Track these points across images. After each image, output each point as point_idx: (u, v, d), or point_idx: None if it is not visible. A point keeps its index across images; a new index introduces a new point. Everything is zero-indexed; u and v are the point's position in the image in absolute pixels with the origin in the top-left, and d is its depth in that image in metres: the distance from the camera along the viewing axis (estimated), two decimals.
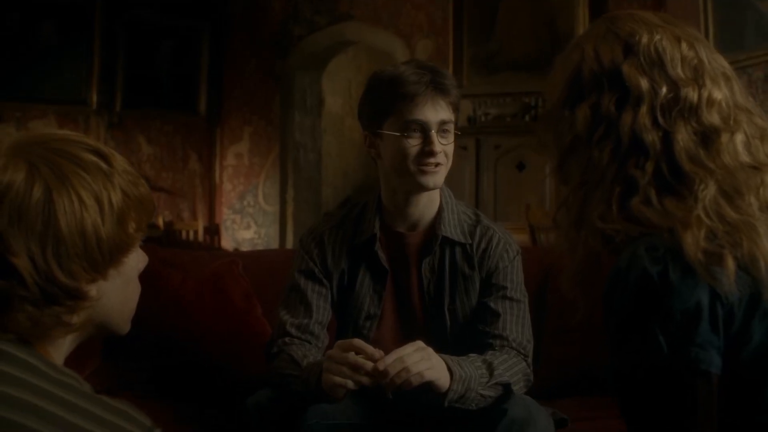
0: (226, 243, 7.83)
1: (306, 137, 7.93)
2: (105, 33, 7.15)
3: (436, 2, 6.91)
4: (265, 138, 7.75)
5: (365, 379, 1.67)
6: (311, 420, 1.75)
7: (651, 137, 1.12)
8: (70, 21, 7.03)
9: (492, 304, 1.94)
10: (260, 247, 7.67)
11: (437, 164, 1.89)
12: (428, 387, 1.70)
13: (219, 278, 2.31)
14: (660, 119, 1.12)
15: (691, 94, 1.13)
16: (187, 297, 2.25)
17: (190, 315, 2.23)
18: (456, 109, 1.93)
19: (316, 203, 7.96)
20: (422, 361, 1.68)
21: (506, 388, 1.82)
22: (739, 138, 1.14)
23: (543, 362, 2.29)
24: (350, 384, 1.67)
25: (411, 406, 1.86)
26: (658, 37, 1.16)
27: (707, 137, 1.13)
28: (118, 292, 1.04)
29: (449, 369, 1.73)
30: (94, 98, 7.15)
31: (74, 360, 1.08)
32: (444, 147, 1.89)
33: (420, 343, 1.72)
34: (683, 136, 1.12)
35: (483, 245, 1.97)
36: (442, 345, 1.85)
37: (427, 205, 1.97)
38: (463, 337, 1.95)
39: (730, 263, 1.05)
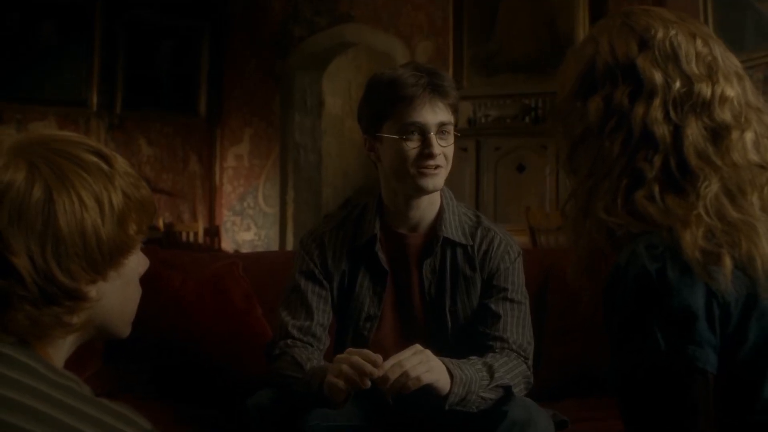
0: (226, 245, 7.83)
1: (306, 138, 7.94)
2: (105, 33, 7.16)
3: (436, 3, 6.91)
4: (266, 139, 7.75)
5: (366, 383, 1.66)
6: (312, 421, 1.75)
7: (662, 130, 1.13)
8: (70, 21, 7.04)
9: (493, 306, 1.94)
10: (260, 249, 7.67)
11: (437, 166, 1.88)
12: (428, 390, 1.70)
13: (219, 279, 2.31)
14: (672, 113, 1.13)
15: (705, 90, 1.14)
16: (187, 298, 2.25)
17: (190, 316, 2.23)
18: (455, 110, 1.93)
19: (317, 204, 7.96)
20: (420, 365, 1.68)
21: (507, 390, 1.82)
22: (749, 136, 1.15)
23: (543, 363, 2.29)
24: (350, 389, 1.66)
25: (412, 409, 1.85)
26: (673, 32, 1.17)
27: (718, 134, 1.13)
28: (118, 294, 1.04)
29: (449, 372, 1.72)
30: (94, 99, 7.17)
31: (75, 362, 1.08)
32: (443, 149, 1.89)
33: (418, 347, 1.71)
34: (693, 131, 1.13)
35: (484, 247, 1.97)
36: (442, 346, 1.85)
37: (428, 207, 1.96)
38: (464, 338, 1.94)
39: (728, 263, 1.05)
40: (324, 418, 1.78)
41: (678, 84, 1.14)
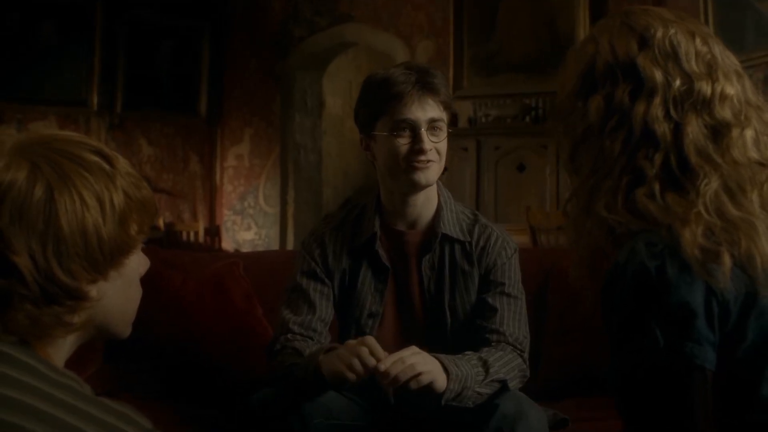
0: (227, 244, 7.83)
1: (306, 138, 7.94)
2: (105, 33, 7.15)
3: (436, 3, 6.91)
4: (266, 139, 7.75)
5: (363, 372, 1.69)
6: (316, 419, 1.76)
7: (662, 128, 1.13)
8: (71, 21, 7.03)
9: (490, 300, 1.96)
10: (261, 249, 7.67)
11: (429, 161, 1.91)
12: (427, 388, 1.72)
13: (220, 279, 2.31)
14: (672, 111, 1.14)
15: (705, 88, 1.15)
16: (187, 298, 2.25)
17: (190, 316, 2.23)
18: (447, 107, 1.96)
19: (317, 204, 7.96)
20: (418, 365, 1.70)
21: (502, 384, 1.84)
22: (749, 134, 1.15)
23: (543, 363, 2.29)
24: (352, 376, 1.69)
25: (412, 406, 1.87)
26: (672, 31, 1.18)
27: (718, 131, 1.14)
28: (118, 294, 1.04)
29: (445, 368, 1.75)
30: (95, 99, 7.16)
31: (75, 361, 1.08)
32: (435, 144, 1.92)
33: (414, 348, 1.74)
34: (693, 129, 1.13)
35: (482, 243, 2.00)
36: (442, 342, 1.89)
37: (425, 203, 1.99)
38: (463, 333, 1.96)
39: (727, 260, 1.05)
40: (328, 416, 1.78)
41: (678, 82, 1.15)
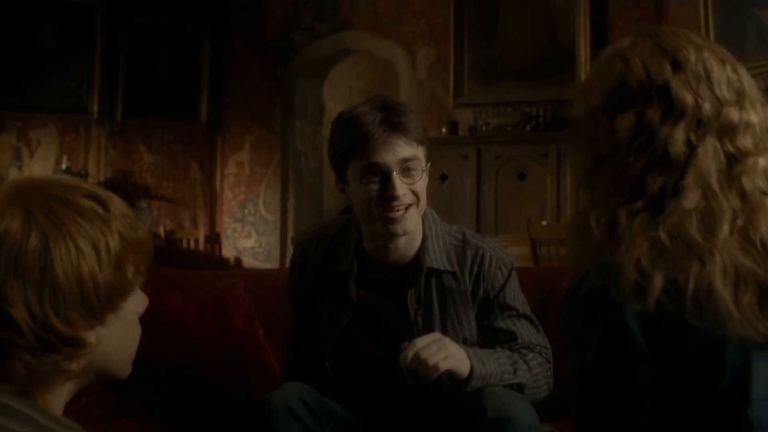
0: (227, 251, 7.82)
1: (307, 145, 7.93)
2: (106, 38, 7.12)
3: (437, 10, 6.90)
4: (266, 146, 7.74)
5: None
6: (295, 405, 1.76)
7: (679, 151, 1.14)
8: (72, 26, 7.00)
9: (503, 326, 1.92)
10: (261, 256, 7.66)
11: (407, 207, 1.80)
12: (448, 374, 1.72)
13: (221, 300, 2.30)
14: (692, 135, 1.15)
15: (733, 115, 1.16)
16: (188, 320, 2.24)
17: (191, 338, 2.22)
18: (422, 143, 1.83)
19: (318, 212, 7.95)
20: (439, 352, 1.69)
21: (520, 388, 1.84)
22: (762, 163, 1.17)
23: None
24: None
25: (429, 392, 1.84)
26: (705, 54, 1.19)
27: (734, 158, 1.15)
28: (117, 337, 1.04)
29: (471, 363, 1.74)
30: (95, 107, 7.13)
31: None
32: (410, 186, 1.80)
33: (437, 334, 1.74)
34: (707, 153, 1.14)
35: (476, 269, 1.92)
36: None
37: (409, 242, 1.90)
38: None
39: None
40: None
41: (708, 106, 1.16)
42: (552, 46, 6.60)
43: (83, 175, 6.99)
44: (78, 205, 0.99)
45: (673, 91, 1.16)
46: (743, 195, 1.14)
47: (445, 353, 1.70)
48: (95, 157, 7.20)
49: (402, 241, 1.88)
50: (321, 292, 1.95)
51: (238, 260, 7.80)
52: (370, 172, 1.78)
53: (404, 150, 1.79)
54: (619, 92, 1.20)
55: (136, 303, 1.08)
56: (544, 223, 5.30)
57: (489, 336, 1.93)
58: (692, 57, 1.18)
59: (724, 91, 1.17)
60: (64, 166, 6.86)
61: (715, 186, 1.13)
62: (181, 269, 2.88)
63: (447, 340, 1.73)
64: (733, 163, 1.15)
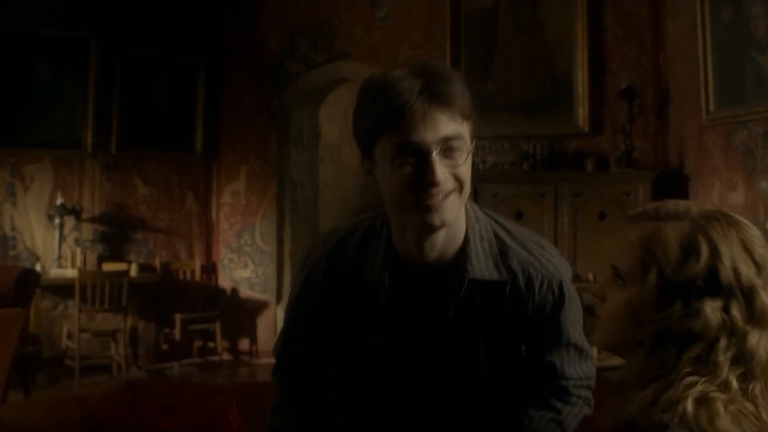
0: (224, 282, 7.79)
1: (303, 174, 7.89)
2: (100, 70, 7.05)
3: (434, 42, 6.86)
4: (262, 176, 7.69)
5: None
6: None
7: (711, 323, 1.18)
8: (66, 58, 6.93)
9: (547, 357, 1.63)
10: (257, 287, 7.62)
11: (446, 194, 1.48)
12: None
13: (213, 423, 2.27)
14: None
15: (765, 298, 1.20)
16: None
17: None
18: (468, 117, 1.52)
19: (314, 242, 7.91)
20: None
21: None
22: None
23: None
24: None
25: None
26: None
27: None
28: None
29: None
30: (89, 140, 7.04)
31: None
32: (452, 170, 1.47)
33: None
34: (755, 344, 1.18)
35: (522, 282, 1.59)
36: (470, 391, 1.65)
37: (447, 241, 1.57)
38: (496, 381, 1.66)
39: None
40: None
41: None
42: (550, 79, 6.57)
43: (78, 210, 6.94)
44: None
45: (757, 299, 1.19)
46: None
47: None
48: (90, 190, 7.14)
49: (439, 238, 1.55)
50: (343, 303, 1.66)
51: (234, 291, 7.76)
52: (405, 152, 1.45)
53: (447, 126, 1.46)
54: (710, 281, 1.20)
55: None
56: None
57: (528, 365, 1.65)
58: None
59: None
60: (58, 202, 6.80)
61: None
62: (172, 386, 2.85)
63: None
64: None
